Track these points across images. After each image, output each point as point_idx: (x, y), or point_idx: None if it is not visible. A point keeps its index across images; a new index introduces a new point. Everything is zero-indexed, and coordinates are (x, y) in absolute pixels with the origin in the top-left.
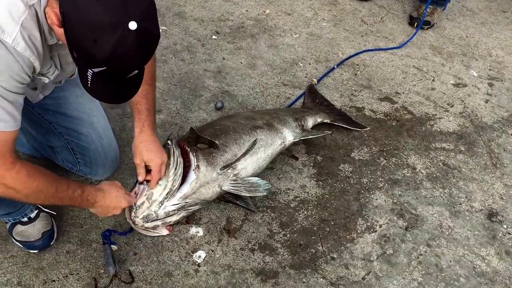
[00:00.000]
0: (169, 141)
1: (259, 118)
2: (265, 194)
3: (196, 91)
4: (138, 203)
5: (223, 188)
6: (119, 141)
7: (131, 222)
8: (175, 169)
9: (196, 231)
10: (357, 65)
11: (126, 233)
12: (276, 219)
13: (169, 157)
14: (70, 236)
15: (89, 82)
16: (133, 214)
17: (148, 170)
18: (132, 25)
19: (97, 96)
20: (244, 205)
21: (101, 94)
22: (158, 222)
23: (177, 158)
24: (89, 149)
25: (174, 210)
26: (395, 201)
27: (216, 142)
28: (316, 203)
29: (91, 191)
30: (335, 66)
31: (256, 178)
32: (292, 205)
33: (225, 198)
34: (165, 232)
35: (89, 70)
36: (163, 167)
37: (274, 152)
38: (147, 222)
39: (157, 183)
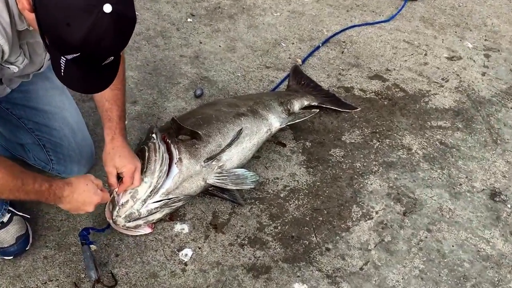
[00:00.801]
0: (153, 135)
1: (242, 104)
2: (252, 186)
3: (173, 79)
4: (122, 201)
5: (207, 181)
6: (93, 136)
7: (111, 221)
8: (160, 165)
9: (181, 228)
10: (344, 42)
11: (105, 229)
12: (266, 211)
13: (154, 153)
14: (47, 240)
15: (62, 70)
16: (115, 213)
17: (120, 178)
18: (107, 8)
19: (70, 85)
20: (230, 198)
21: (75, 82)
22: (141, 221)
23: (162, 154)
24: (62, 145)
25: (156, 208)
26: (391, 185)
27: (199, 132)
28: (307, 191)
29: (59, 184)
30: (320, 45)
31: (243, 169)
32: (281, 195)
33: (210, 191)
34: (147, 230)
35: (62, 57)
36: (136, 173)
37: (260, 141)
38: (129, 222)
39: (141, 182)
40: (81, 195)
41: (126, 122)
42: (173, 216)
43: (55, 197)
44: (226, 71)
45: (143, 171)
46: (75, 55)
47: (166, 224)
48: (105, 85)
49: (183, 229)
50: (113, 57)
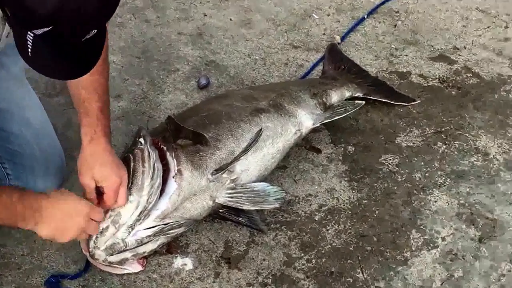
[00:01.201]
0: (140, 139)
1: (262, 97)
2: (277, 206)
3: (169, 65)
4: (100, 228)
5: (217, 200)
6: (63, 142)
7: (88, 255)
8: (151, 178)
9: (182, 263)
10: (397, 12)
11: (81, 274)
12: (295, 239)
13: (142, 162)
14: (4, 282)
15: (29, 50)
16: (92, 244)
17: (100, 193)
18: None
19: (41, 69)
20: (248, 223)
21: (47, 66)
22: (127, 254)
23: (153, 164)
24: (22, 155)
25: (149, 236)
26: (462, 202)
27: (204, 135)
28: (350, 212)
29: (32, 195)
30: (365, 16)
31: (264, 183)
32: (316, 218)
33: (221, 214)
34: (137, 267)
35: (29, 33)
36: (122, 189)
37: (286, 145)
38: (112, 255)
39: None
40: (63, 204)
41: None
42: (172, 248)
43: (30, 212)
44: (240, 53)
45: (127, 187)
46: (46, 29)
47: (162, 258)
48: (86, 67)
49: (186, 264)
50: (96, 30)
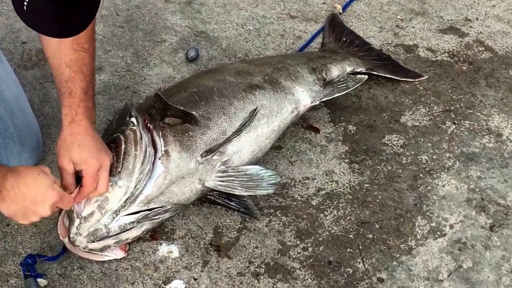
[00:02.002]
0: (133, 119)
1: (256, 72)
2: (271, 191)
3: (155, 35)
4: (85, 213)
5: (206, 184)
6: (40, 118)
7: (67, 241)
8: (142, 163)
9: (168, 250)
10: None
11: (59, 256)
12: (291, 226)
13: (134, 145)
14: None
15: (25, 3)
16: (74, 229)
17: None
18: None
19: (39, 25)
20: (240, 208)
21: (45, 20)
22: (110, 241)
23: (145, 147)
24: None
25: (132, 222)
26: (472, 187)
27: (194, 113)
28: (350, 197)
29: (1, 169)
30: None
31: (257, 166)
32: (314, 203)
33: (210, 199)
34: (119, 254)
35: None
36: (103, 174)
37: (282, 124)
38: (94, 242)
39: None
40: (31, 188)
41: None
42: (157, 234)
43: None
44: (232, 23)
45: (117, 171)
46: None
47: (146, 245)
48: (87, 20)
49: (171, 252)
50: None
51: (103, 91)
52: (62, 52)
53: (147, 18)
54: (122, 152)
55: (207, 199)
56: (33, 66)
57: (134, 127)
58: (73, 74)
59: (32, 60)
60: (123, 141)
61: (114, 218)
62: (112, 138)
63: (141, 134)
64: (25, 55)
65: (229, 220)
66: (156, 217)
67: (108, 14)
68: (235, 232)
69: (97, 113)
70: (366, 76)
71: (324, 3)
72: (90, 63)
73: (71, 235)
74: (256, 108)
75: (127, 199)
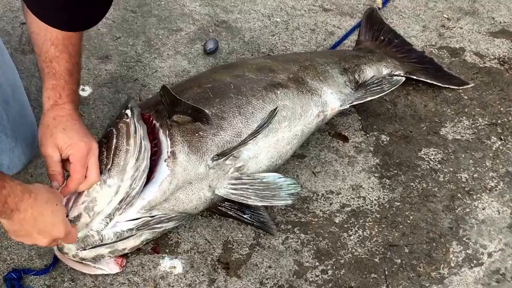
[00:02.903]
0: (127, 111)
1: (280, 69)
2: (289, 202)
3: (171, 22)
4: (71, 216)
5: (217, 192)
6: (36, 110)
7: (56, 248)
8: (137, 159)
9: (171, 265)
10: None
11: (47, 270)
12: (310, 245)
13: (126, 139)
14: None
15: None
16: None
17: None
18: None
19: (49, 16)
20: (253, 221)
21: (57, 12)
22: (104, 250)
23: (140, 142)
24: None
25: (131, 230)
26: None
27: (206, 111)
28: (378, 216)
29: (14, 188)
30: None
31: (275, 174)
32: (337, 220)
33: (220, 209)
34: (114, 269)
35: None
36: (92, 159)
37: (306, 129)
38: (85, 250)
39: (91, 184)
40: (45, 218)
41: (86, 88)
42: (159, 247)
43: (5, 208)
44: (258, 13)
45: (106, 168)
46: None
47: (147, 258)
48: (100, 12)
49: (175, 267)
50: None
51: (108, 83)
52: (48, 28)
53: (162, 2)
54: (113, 147)
55: (218, 210)
56: (32, 50)
57: (127, 120)
58: (58, 54)
59: (31, 44)
60: (114, 135)
61: (108, 223)
62: (104, 133)
63: (135, 126)
64: (24, 38)
65: (241, 235)
66: (158, 225)
67: None
68: (247, 249)
69: (99, 107)
70: (404, 78)
71: None
72: (77, 43)
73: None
74: (276, 108)
75: (121, 200)
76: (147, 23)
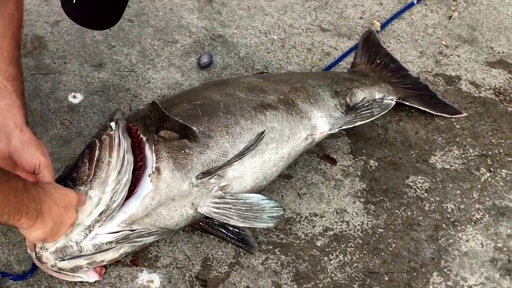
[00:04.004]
0: (112, 123)
1: (271, 89)
2: (271, 225)
3: (167, 34)
4: None
5: (199, 209)
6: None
7: (34, 256)
8: (119, 172)
9: (148, 279)
10: (454, 0)
11: (26, 276)
12: (290, 267)
13: (109, 150)
14: None
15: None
16: (39, 244)
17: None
18: None
19: (85, 20)
20: (234, 238)
21: (90, 14)
22: (82, 261)
23: (123, 154)
24: None
25: (110, 243)
26: (499, 245)
27: (194, 129)
28: (360, 242)
29: (31, 185)
30: (415, 1)
31: (258, 195)
32: (318, 243)
33: (202, 226)
34: (92, 277)
35: None
36: (44, 171)
37: (293, 152)
38: (63, 260)
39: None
40: (59, 198)
41: (78, 95)
42: (138, 260)
43: (33, 204)
44: (255, 29)
45: (88, 180)
46: None
47: (125, 270)
48: (120, 10)
49: (152, 281)
50: None
51: (100, 91)
52: None
53: (160, 13)
54: (96, 158)
55: (199, 226)
56: (27, 54)
57: (111, 132)
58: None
59: (26, 47)
60: (97, 147)
61: (87, 234)
62: (88, 144)
63: (119, 139)
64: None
65: (221, 253)
66: (138, 239)
67: None
68: (226, 267)
69: (89, 115)
70: (394, 102)
71: (361, 17)
72: (18, 25)
73: (36, 249)
74: (264, 131)
75: (101, 212)
76: (143, 33)
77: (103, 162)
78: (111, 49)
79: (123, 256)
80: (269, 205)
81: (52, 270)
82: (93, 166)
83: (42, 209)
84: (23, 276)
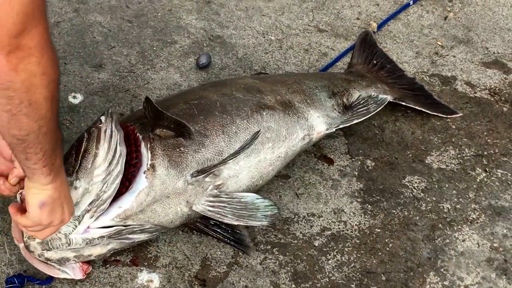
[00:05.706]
0: (102, 116)
1: (268, 90)
2: (265, 224)
3: (166, 34)
4: None
5: (194, 208)
6: None
7: (22, 246)
8: (109, 163)
9: (148, 278)
10: (450, 1)
11: (51, 280)
12: (288, 266)
13: (96, 142)
14: None
15: None
16: (27, 233)
17: None
18: None
19: None
20: (231, 239)
21: None
22: (69, 254)
23: (116, 146)
24: None
25: (102, 237)
26: (495, 245)
27: (189, 126)
28: (358, 241)
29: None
30: (411, 2)
31: (253, 195)
32: (316, 243)
33: (198, 227)
34: (77, 275)
35: None
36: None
37: (290, 152)
38: (50, 250)
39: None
40: (67, 190)
41: (78, 96)
42: (138, 259)
43: (59, 167)
44: (253, 30)
45: (74, 170)
46: None
47: (125, 270)
48: None
49: (152, 281)
50: None
51: (100, 92)
52: None
53: (159, 14)
54: (82, 150)
55: (196, 226)
56: None
57: (100, 125)
58: None
59: None
60: (85, 139)
61: (76, 226)
62: (78, 137)
63: (111, 131)
64: None
65: (219, 253)
66: (131, 235)
67: (117, 6)
68: (225, 267)
69: (89, 115)
70: (389, 97)
71: (358, 18)
72: None
73: (24, 239)
74: (259, 131)
75: (91, 202)
76: (143, 34)
77: (89, 153)
78: (110, 50)
79: (111, 252)
80: (264, 204)
81: (39, 260)
82: (79, 157)
83: (57, 177)
84: (47, 281)
